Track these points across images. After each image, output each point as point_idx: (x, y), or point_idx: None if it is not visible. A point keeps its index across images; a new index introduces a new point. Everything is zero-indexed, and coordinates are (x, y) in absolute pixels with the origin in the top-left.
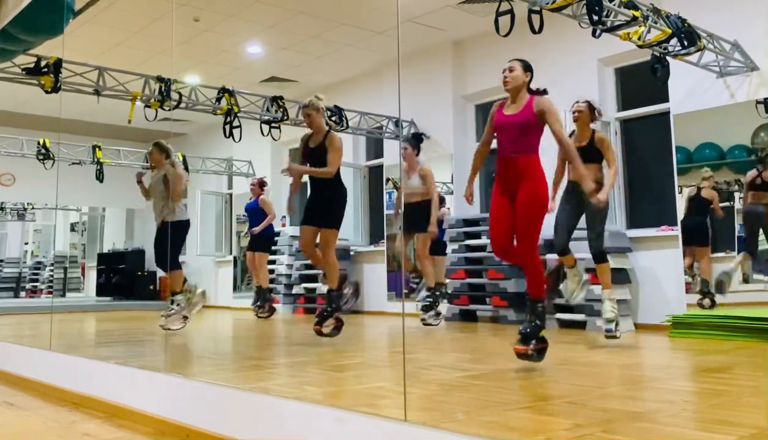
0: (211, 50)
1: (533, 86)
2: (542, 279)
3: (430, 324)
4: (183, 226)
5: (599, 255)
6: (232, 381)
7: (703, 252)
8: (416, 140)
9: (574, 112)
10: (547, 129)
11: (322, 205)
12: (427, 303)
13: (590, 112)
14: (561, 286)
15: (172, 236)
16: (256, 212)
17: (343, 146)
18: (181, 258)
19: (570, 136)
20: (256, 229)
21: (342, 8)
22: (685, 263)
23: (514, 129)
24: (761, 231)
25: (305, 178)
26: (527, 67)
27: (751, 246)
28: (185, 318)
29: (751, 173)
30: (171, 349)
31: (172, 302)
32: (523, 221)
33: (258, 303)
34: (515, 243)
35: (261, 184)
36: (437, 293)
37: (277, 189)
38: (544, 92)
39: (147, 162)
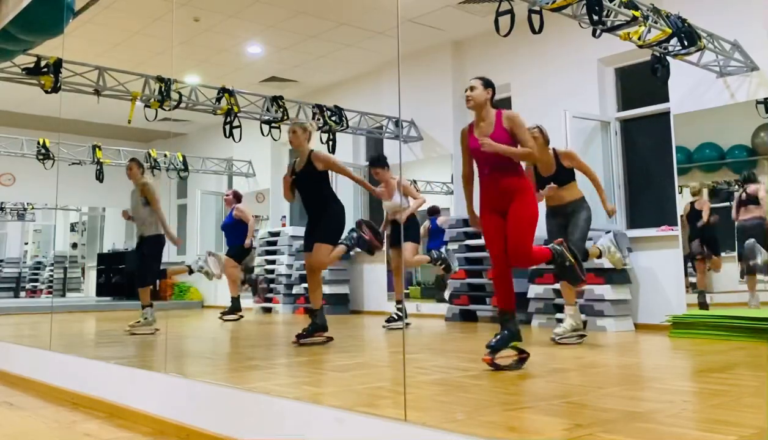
0: (211, 50)
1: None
2: (512, 292)
3: (393, 329)
4: (159, 240)
5: None
6: (232, 381)
7: (700, 265)
8: (383, 160)
9: None
10: None
11: (315, 224)
12: (394, 318)
13: (542, 135)
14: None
15: (150, 250)
16: (233, 226)
17: (331, 155)
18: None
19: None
20: (248, 243)
21: (342, 8)
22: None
23: (490, 152)
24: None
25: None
26: (488, 84)
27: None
28: (156, 330)
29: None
30: (171, 349)
31: (143, 315)
32: (514, 240)
33: (228, 309)
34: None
35: (236, 196)
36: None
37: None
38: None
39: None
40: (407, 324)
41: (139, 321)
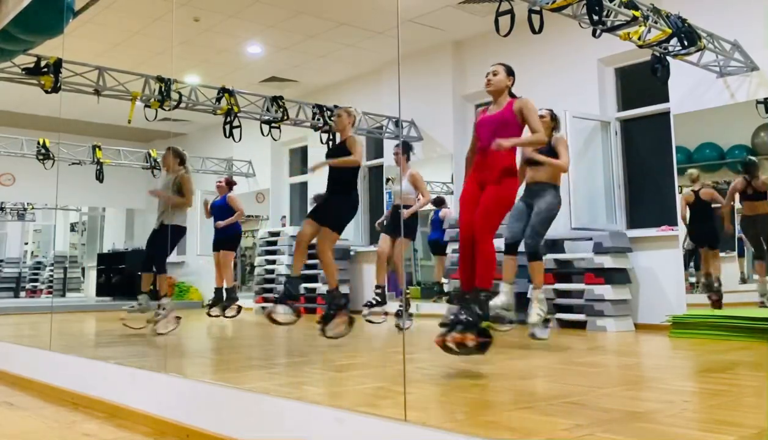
0: (211, 50)
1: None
2: (492, 271)
3: (400, 327)
4: (180, 231)
5: (532, 255)
6: (232, 381)
7: (714, 255)
8: (407, 147)
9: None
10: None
11: (329, 203)
12: (372, 303)
13: (551, 119)
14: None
15: (174, 238)
16: (222, 209)
17: (363, 145)
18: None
19: None
20: (221, 223)
21: (342, 8)
22: (695, 266)
23: (492, 124)
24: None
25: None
26: (510, 72)
27: (761, 252)
28: (177, 318)
29: (739, 182)
30: (171, 349)
31: (159, 306)
32: (483, 212)
33: (224, 303)
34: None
35: (229, 183)
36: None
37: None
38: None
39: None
40: (411, 318)
41: (158, 314)
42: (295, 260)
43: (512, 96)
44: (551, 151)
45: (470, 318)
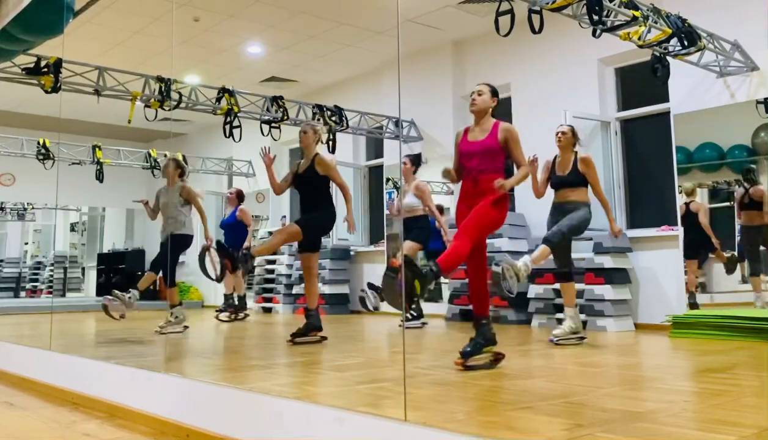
0: (211, 50)
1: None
2: (455, 263)
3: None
4: (187, 240)
5: (561, 275)
6: (232, 381)
7: (691, 265)
8: (417, 160)
9: (557, 134)
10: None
11: (311, 227)
12: (409, 318)
13: (573, 136)
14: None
15: (175, 248)
16: (233, 226)
17: (333, 164)
18: (181, 259)
19: (553, 160)
20: (247, 245)
21: (342, 8)
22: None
23: (478, 155)
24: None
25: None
26: (495, 93)
27: (756, 268)
28: (185, 327)
29: (739, 192)
30: (171, 349)
31: (172, 314)
32: (472, 217)
33: (237, 309)
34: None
35: (240, 196)
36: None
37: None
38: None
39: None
40: (423, 323)
41: (169, 321)
42: (269, 244)
43: (493, 116)
44: (578, 176)
45: (470, 350)
